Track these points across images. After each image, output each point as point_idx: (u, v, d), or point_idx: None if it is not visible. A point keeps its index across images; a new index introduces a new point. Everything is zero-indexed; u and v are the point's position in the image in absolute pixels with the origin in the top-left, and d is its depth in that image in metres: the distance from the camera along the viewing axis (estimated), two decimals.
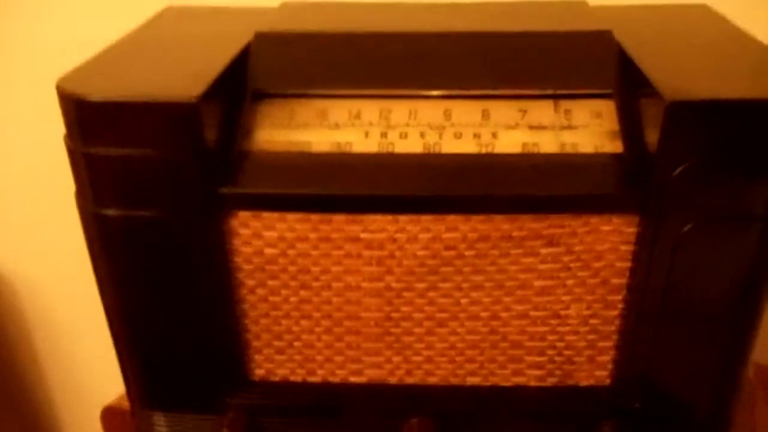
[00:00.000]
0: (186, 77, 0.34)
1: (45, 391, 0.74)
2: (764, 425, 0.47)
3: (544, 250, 0.35)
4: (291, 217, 0.35)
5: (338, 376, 0.40)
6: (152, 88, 0.34)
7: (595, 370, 0.39)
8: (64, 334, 0.71)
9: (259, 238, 0.36)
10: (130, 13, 0.46)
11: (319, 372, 0.40)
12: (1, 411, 0.72)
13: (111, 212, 0.35)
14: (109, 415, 0.51)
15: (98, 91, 0.33)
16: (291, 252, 0.36)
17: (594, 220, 0.34)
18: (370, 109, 0.37)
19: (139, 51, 0.38)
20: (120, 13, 0.52)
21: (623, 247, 0.35)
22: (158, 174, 0.34)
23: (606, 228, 0.34)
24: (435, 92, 0.38)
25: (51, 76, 0.35)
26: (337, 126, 0.37)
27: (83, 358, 0.70)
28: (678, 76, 0.33)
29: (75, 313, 0.67)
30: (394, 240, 0.35)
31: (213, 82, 0.34)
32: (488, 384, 0.39)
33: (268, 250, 0.36)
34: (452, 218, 0.34)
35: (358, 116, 0.37)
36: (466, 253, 0.35)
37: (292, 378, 0.40)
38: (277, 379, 0.40)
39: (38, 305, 0.70)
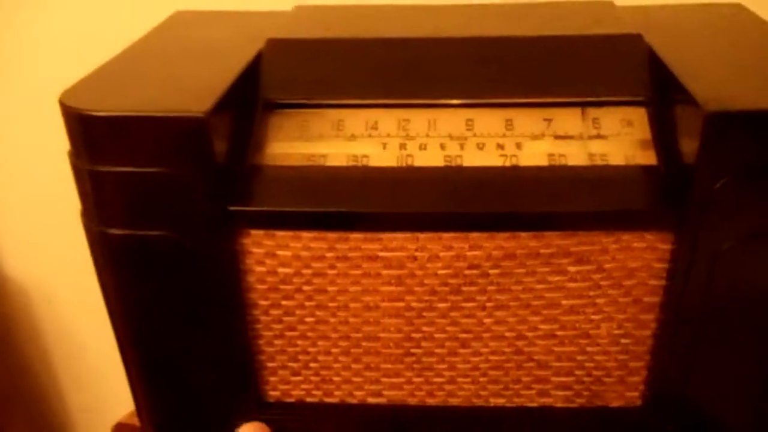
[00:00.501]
0: (195, 89, 0.33)
1: (60, 404, 0.73)
2: None
3: (572, 268, 0.33)
4: (306, 235, 0.33)
5: (356, 397, 0.38)
6: (160, 101, 0.32)
7: (625, 391, 0.37)
8: (80, 346, 0.70)
9: (272, 257, 0.34)
10: (138, 18, 0.44)
11: (337, 393, 0.38)
12: (16, 422, 0.71)
13: (118, 231, 0.33)
14: (120, 431, 0.50)
15: (103, 105, 0.32)
16: (306, 271, 0.34)
17: (626, 236, 0.32)
18: (388, 120, 0.36)
19: (145, 61, 0.37)
20: (127, 18, 0.50)
21: (657, 265, 0.33)
22: (167, 191, 0.32)
23: (639, 245, 0.32)
24: (455, 101, 0.36)
25: (55, 87, 0.33)
26: (353, 137, 0.35)
27: (99, 370, 0.69)
28: (715, 82, 0.31)
29: (91, 324, 0.66)
30: (415, 259, 0.33)
31: (223, 93, 0.32)
32: (513, 405, 0.38)
33: (282, 270, 0.34)
34: (475, 236, 0.33)
35: (375, 127, 0.36)
36: (491, 271, 0.33)
37: (309, 399, 0.39)
38: (292, 400, 0.39)
39: (54, 316, 0.69)
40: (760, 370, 0.35)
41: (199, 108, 0.30)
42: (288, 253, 0.34)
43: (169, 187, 0.32)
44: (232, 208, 0.33)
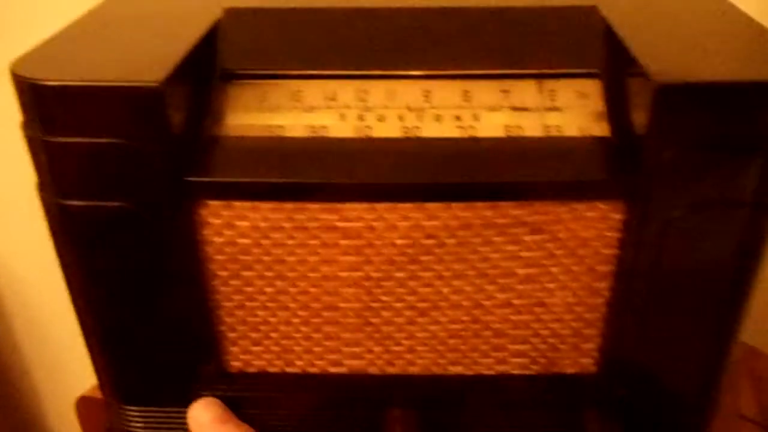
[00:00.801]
0: (150, 58, 0.33)
1: (25, 378, 0.73)
2: (749, 406, 0.46)
3: (527, 238, 0.34)
4: (264, 206, 0.33)
5: (317, 367, 0.39)
6: (114, 71, 0.32)
7: (580, 358, 0.38)
8: (43, 320, 0.70)
9: (231, 228, 0.34)
10: None
11: (298, 363, 0.39)
12: None
13: (75, 203, 0.33)
14: (84, 404, 0.49)
15: (56, 74, 0.31)
16: (265, 242, 0.34)
17: (579, 206, 0.33)
18: (347, 91, 0.36)
19: (100, 29, 0.36)
20: None
21: (609, 234, 0.34)
22: (122, 162, 0.32)
23: (591, 214, 0.33)
24: (414, 72, 0.36)
25: (5, 56, 0.33)
26: (311, 108, 0.35)
27: (63, 343, 0.69)
28: (667, 55, 0.32)
29: (52, 297, 0.65)
30: (372, 229, 0.34)
31: (179, 63, 0.32)
32: (471, 373, 0.38)
33: (241, 240, 0.34)
34: (432, 206, 0.33)
35: (333, 98, 0.36)
36: (447, 241, 0.34)
37: (270, 369, 0.39)
38: (254, 370, 0.39)
39: (15, 290, 0.68)
40: (709, 336, 0.37)
41: (154, 77, 0.30)
42: (246, 224, 0.34)
43: (125, 158, 0.32)
44: (189, 179, 0.33)
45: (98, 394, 0.44)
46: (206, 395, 0.39)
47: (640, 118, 0.31)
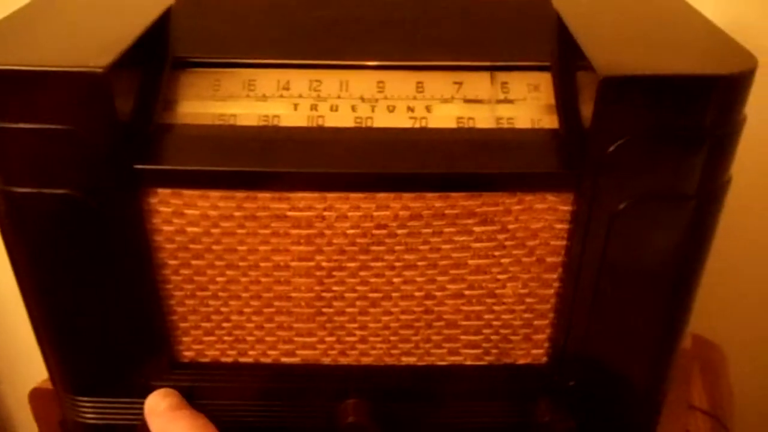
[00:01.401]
0: (98, 43, 0.32)
1: None
2: (700, 397, 0.47)
3: (478, 229, 0.34)
4: (214, 194, 0.33)
5: (270, 356, 0.38)
6: (60, 56, 0.31)
7: (531, 349, 0.38)
8: (2, 312, 0.69)
9: (180, 216, 0.34)
10: None
11: (251, 353, 0.38)
12: None
13: (20, 190, 0.33)
14: (37, 396, 0.49)
15: (1, 58, 0.30)
16: (215, 231, 0.34)
17: (528, 198, 0.33)
18: (300, 80, 0.36)
19: (47, 14, 0.36)
20: None
21: (558, 226, 0.34)
22: (69, 149, 0.31)
23: (541, 206, 0.33)
24: (368, 62, 0.36)
25: None
26: (264, 97, 0.35)
27: (20, 334, 0.68)
28: (613, 48, 0.32)
29: (10, 287, 0.64)
30: (323, 218, 0.34)
31: (126, 49, 0.32)
32: (424, 363, 0.38)
33: (191, 229, 0.34)
34: (383, 196, 0.33)
35: (287, 87, 0.35)
36: (398, 231, 0.34)
37: (223, 359, 0.39)
38: (207, 360, 0.39)
39: None
40: (657, 327, 0.37)
41: (100, 63, 0.30)
42: (196, 212, 0.34)
43: (72, 144, 0.31)
44: (137, 167, 0.32)
45: (51, 386, 0.43)
46: (158, 385, 0.39)
47: (587, 111, 0.32)
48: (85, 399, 0.39)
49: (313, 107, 0.35)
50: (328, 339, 0.38)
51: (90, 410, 0.40)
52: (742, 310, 0.60)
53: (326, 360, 0.38)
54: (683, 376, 0.47)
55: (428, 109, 0.35)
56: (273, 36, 0.36)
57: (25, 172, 0.32)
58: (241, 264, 0.35)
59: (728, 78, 0.30)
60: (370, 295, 0.36)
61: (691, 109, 0.30)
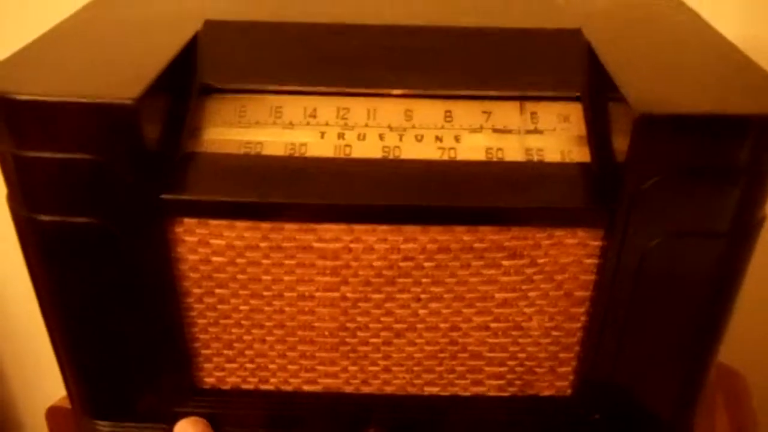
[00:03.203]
0: (126, 72, 0.32)
1: (2, 386, 0.71)
2: (723, 426, 0.47)
3: (506, 262, 0.34)
4: (240, 224, 0.33)
5: (292, 384, 0.38)
6: (88, 86, 0.31)
7: (556, 381, 0.38)
8: (22, 327, 0.68)
9: (205, 245, 0.33)
10: None
11: (272, 380, 0.38)
12: None
13: (46, 218, 0.32)
14: (54, 414, 0.49)
15: (27, 88, 0.30)
16: (240, 260, 0.34)
17: (558, 233, 0.33)
18: (327, 108, 0.35)
19: (74, 41, 0.35)
20: None
21: (588, 261, 0.33)
22: (95, 179, 0.31)
23: (571, 241, 0.33)
24: (396, 90, 0.35)
25: None
26: (291, 125, 0.35)
27: (41, 352, 0.68)
28: (648, 82, 0.32)
29: (25, 309, 0.64)
30: (350, 250, 0.33)
31: (155, 78, 0.31)
32: (447, 393, 0.38)
33: (216, 259, 0.34)
34: (410, 228, 0.33)
35: (314, 115, 0.35)
36: (425, 264, 0.34)
37: (244, 386, 0.38)
38: (228, 387, 0.38)
39: None
40: (685, 363, 0.37)
41: (129, 94, 0.29)
42: (221, 242, 0.33)
43: (98, 174, 0.31)
44: (164, 197, 0.32)
45: (68, 404, 0.43)
46: (179, 411, 0.38)
47: (619, 144, 0.31)
48: (105, 423, 0.39)
49: (341, 136, 0.35)
50: (351, 368, 0.37)
51: None
52: (766, 337, 0.60)
53: (348, 389, 0.38)
54: (707, 406, 0.46)
55: (457, 139, 0.34)
56: (300, 63, 0.36)
57: (50, 200, 0.32)
58: (265, 293, 0.35)
59: (765, 117, 0.29)
60: (395, 326, 0.36)
61: (728, 147, 0.30)
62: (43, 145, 0.31)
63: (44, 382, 0.68)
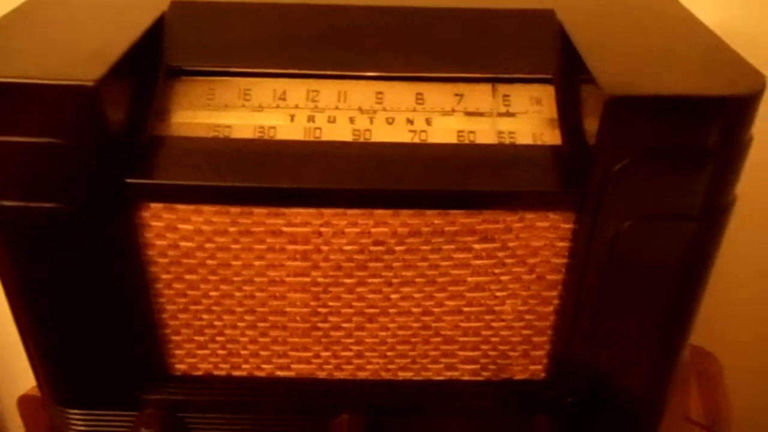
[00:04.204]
0: (88, 54, 0.31)
1: None
2: (696, 408, 0.47)
3: (477, 246, 0.33)
4: (208, 209, 0.32)
5: (264, 370, 0.38)
6: (49, 68, 0.30)
7: (529, 365, 0.38)
8: None
9: (173, 230, 0.33)
10: None
11: (245, 367, 0.38)
12: None
13: (10, 203, 0.32)
14: (25, 403, 0.48)
15: None
16: (209, 246, 0.33)
17: (530, 216, 0.32)
18: (297, 90, 0.35)
19: (36, 22, 0.34)
20: None
21: (559, 244, 0.33)
22: (60, 163, 0.31)
23: (542, 224, 0.33)
24: (367, 72, 0.35)
25: None
26: (260, 107, 0.34)
27: (10, 340, 0.67)
28: (619, 65, 0.32)
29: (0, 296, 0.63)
30: (320, 234, 0.33)
31: (118, 60, 0.31)
32: (420, 378, 0.38)
33: (184, 244, 0.33)
34: (381, 212, 0.32)
35: (283, 97, 0.35)
36: (396, 248, 0.33)
37: (216, 373, 0.38)
38: (199, 373, 0.38)
39: None
40: (657, 345, 0.37)
41: (90, 76, 0.29)
42: (189, 227, 0.33)
43: (62, 158, 0.30)
44: (129, 181, 0.31)
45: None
46: (151, 398, 0.38)
47: (591, 127, 0.31)
48: (76, 411, 0.39)
49: (310, 118, 0.34)
50: (323, 354, 0.37)
51: (80, 422, 0.39)
52: (737, 318, 0.60)
53: (321, 374, 0.38)
54: (680, 386, 0.47)
55: (428, 121, 0.34)
56: (269, 44, 0.35)
57: (13, 185, 0.31)
58: (235, 279, 0.34)
59: (736, 99, 0.29)
60: (367, 310, 0.35)
61: (698, 129, 0.30)
62: (5, 129, 0.30)
63: (16, 370, 0.68)
